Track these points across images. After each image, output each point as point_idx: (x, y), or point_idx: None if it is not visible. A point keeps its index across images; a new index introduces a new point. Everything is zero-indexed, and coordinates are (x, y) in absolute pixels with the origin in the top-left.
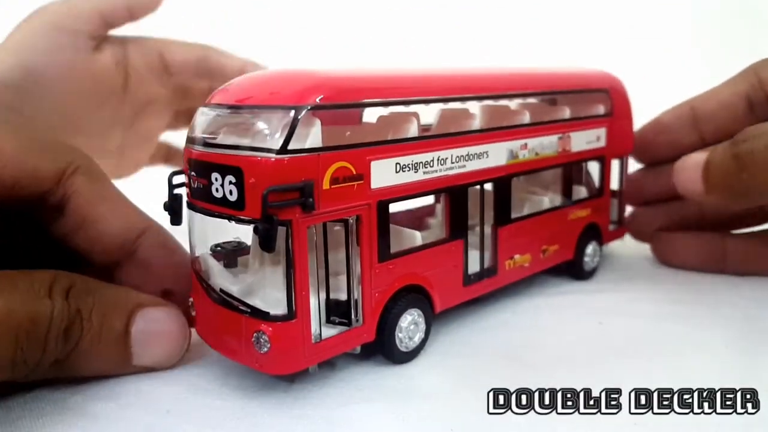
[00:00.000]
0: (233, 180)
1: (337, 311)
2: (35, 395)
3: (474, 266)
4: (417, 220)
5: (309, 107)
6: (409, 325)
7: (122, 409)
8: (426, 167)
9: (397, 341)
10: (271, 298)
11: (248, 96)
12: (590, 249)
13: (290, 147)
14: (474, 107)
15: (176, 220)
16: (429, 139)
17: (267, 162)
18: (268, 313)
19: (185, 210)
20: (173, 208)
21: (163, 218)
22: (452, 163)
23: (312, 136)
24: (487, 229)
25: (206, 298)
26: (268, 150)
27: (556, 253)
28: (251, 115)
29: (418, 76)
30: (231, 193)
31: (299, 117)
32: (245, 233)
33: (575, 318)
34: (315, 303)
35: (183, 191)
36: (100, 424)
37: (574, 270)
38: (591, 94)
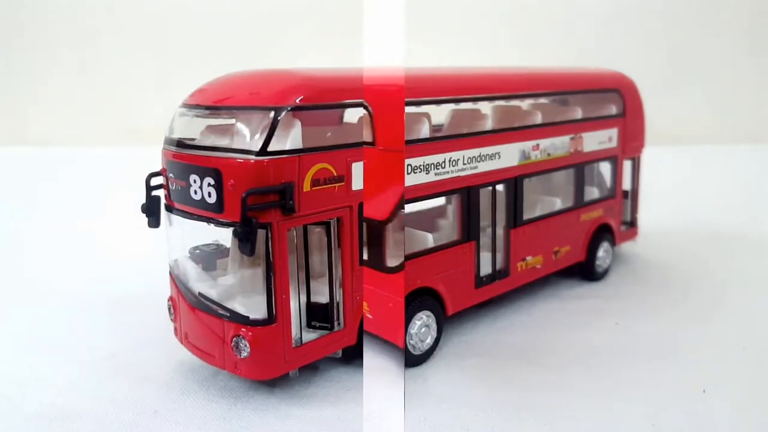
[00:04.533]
0: (212, 182)
1: (318, 315)
2: (24, 398)
3: (486, 268)
4: (429, 221)
5: (289, 108)
6: (420, 328)
7: (109, 408)
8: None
9: (408, 345)
10: (251, 302)
11: (227, 96)
12: (602, 250)
13: (270, 148)
14: (485, 108)
15: (154, 222)
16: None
17: (246, 164)
18: (248, 317)
19: (163, 212)
20: (151, 210)
21: (140, 220)
22: (461, 164)
23: (292, 138)
24: (499, 231)
25: (184, 301)
26: (248, 151)
27: (568, 255)
28: (230, 116)
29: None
30: (210, 195)
31: (279, 118)
32: (224, 236)
33: (591, 319)
34: (295, 307)
35: (161, 193)
36: (87, 423)
37: (586, 271)
38: (603, 94)
